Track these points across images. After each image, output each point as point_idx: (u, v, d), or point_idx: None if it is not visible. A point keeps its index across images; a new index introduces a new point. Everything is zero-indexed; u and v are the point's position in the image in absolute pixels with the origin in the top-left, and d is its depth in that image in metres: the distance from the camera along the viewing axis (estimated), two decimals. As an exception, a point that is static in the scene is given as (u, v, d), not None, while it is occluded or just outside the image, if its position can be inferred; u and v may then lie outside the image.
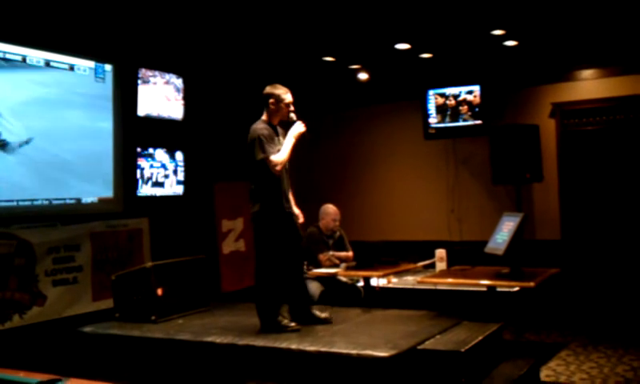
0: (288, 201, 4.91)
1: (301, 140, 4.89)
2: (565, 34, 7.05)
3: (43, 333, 5.80)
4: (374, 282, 6.53)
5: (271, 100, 4.86)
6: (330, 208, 6.71)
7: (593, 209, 7.69)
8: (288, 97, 4.87)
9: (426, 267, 7.17)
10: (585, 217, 7.74)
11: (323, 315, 5.00)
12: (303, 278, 5.13)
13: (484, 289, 5.44)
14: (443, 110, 8.25)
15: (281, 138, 4.89)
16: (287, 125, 4.94)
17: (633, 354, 5.83)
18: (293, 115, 4.87)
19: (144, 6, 6.00)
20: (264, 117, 4.90)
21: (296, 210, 5.04)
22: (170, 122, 7.37)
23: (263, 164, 4.70)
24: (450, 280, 5.82)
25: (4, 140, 5.77)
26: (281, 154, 4.73)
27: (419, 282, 5.99)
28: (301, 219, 5.07)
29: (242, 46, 7.34)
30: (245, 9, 6.10)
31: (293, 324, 4.79)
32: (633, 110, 7.41)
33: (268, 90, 4.90)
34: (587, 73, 7.76)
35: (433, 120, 8.32)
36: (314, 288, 6.23)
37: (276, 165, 4.68)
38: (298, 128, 4.81)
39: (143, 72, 7.03)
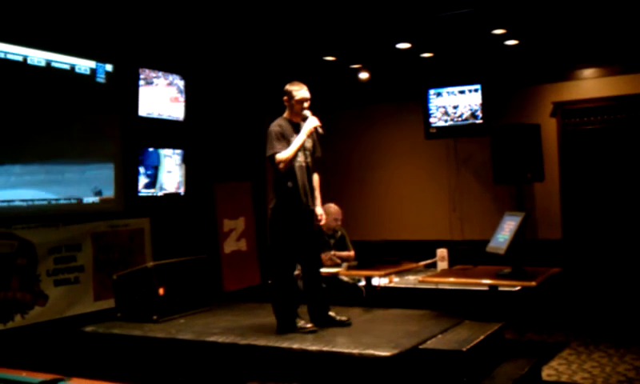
0: (305, 198, 4.78)
1: (321, 136, 4.83)
2: (566, 33, 7.05)
3: (45, 332, 5.81)
4: (375, 281, 6.52)
5: (285, 97, 4.82)
6: (332, 207, 6.69)
7: (594, 208, 7.69)
8: (300, 93, 4.76)
9: (428, 267, 7.16)
10: (586, 216, 7.73)
11: (340, 318, 4.90)
12: (319, 279, 4.98)
13: (486, 288, 5.44)
14: (444, 109, 8.25)
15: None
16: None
17: (635, 352, 5.82)
18: (306, 112, 4.75)
19: (144, 6, 6.00)
20: (284, 114, 4.85)
21: (319, 210, 4.96)
22: (171, 123, 7.37)
23: (272, 160, 4.67)
24: (451, 279, 5.81)
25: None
26: (286, 151, 4.63)
27: (421, 282, 5.98)
28: (322, 221, 4.99)
29: (243, 46, 7.34)
30: (246, 9, 6.10)
31: (309, 325, 4.72)
32: (634, 109, 7.41)
33: (285, 87, 4.83)
34: (588, 72, 7.75)
35: (434, 119, 8.31)
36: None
37: (279, 162, 4.60)
38: (310, 124, 4.71)
39: (147, 73, 7.04)
